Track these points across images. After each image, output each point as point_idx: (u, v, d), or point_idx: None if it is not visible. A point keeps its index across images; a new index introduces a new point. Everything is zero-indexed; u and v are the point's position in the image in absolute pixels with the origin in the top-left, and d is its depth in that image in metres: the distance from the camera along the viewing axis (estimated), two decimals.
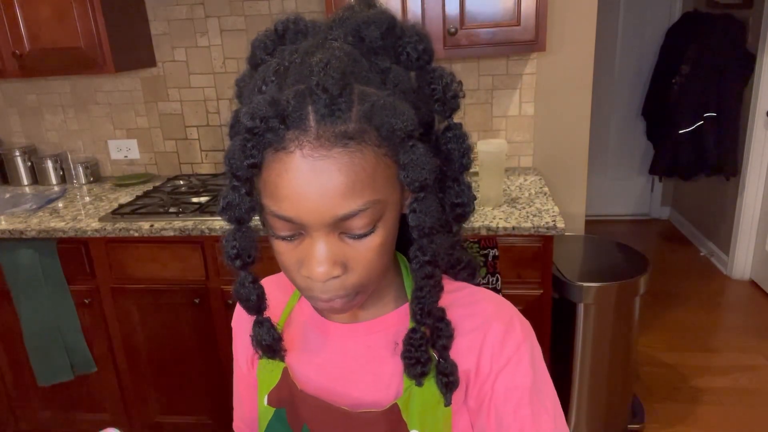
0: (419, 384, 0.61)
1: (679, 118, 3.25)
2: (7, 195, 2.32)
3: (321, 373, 0.68)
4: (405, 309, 0.65)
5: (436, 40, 1.85)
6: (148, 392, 2.12)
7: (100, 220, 1.94)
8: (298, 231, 0.53)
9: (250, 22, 2.27)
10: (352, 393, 0.65)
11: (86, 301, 1.99)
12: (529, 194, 1.98)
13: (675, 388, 2.42)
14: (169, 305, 1.98)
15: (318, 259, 0.52)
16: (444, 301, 0.60)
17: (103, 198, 2.23)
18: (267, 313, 0.64)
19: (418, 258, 0.56)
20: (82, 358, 2.05)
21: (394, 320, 0.66)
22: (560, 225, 1.69)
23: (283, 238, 0.54)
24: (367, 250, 0.54)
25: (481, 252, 1.73)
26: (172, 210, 1.96)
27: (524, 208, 1.84)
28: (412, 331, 0.60)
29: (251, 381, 0.77)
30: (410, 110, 0.51)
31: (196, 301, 1.93)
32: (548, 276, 1.77)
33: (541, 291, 1.78)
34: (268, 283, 0.76)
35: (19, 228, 1.92)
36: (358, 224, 0.52)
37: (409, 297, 0.64)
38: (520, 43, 1.85)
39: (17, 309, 2.01)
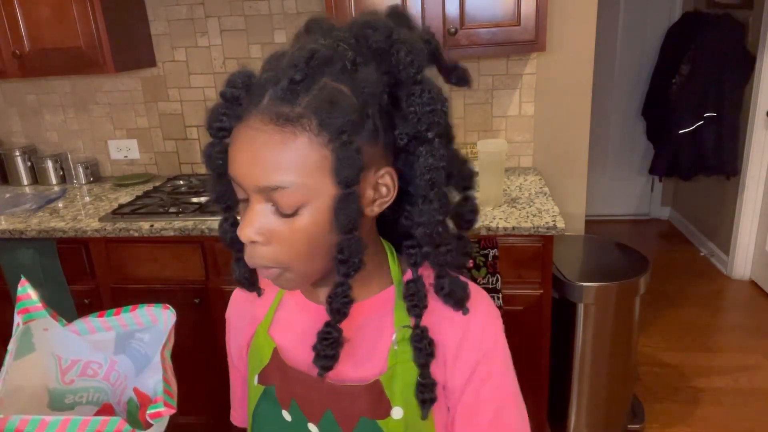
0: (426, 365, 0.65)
1: (679, 118, 3.25)
2: (7, 195, 2.32)
3: (309, 352, 0.70)
4: (390, 292, 0.69)
5: None
6: None
7: (100, 220, 1.94)
8: (245, 196, 0.59)
9: (250, 22, 2.27)
10: (338, 369, 0.68)
11: (86, 301, 1.99)
12: (529, 194, 1.98)
13: (675, 388, 2.42)
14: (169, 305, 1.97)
15: (245, 221, 0.58)
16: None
17: (103, 198, 2.23)
18: (262, 296, 0.73)
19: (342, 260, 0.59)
20: None
21: (380, 303, 0.68)
22: (560, 225, 1.69)
23: (240, 202, 0.61)
24: (292, 231, 0.57)
25: (481, 252, 1.73)
26: (172, 210, 1.96)
27: (524, 208, 1.84)
28: (415, 327, 0.64)
29: (243, 371, 0.81)
30: (355, 109, 0.55)
31: (196, 301, 1.93)
32: (548, 276, 1.77)
33: (541, 291, 1.78)
34: None
35: (19, 228, 1.92)
36: (281, 201, 0.56)
37: (395, 281, 0.69)
38: (520, 43, 1.85)
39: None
